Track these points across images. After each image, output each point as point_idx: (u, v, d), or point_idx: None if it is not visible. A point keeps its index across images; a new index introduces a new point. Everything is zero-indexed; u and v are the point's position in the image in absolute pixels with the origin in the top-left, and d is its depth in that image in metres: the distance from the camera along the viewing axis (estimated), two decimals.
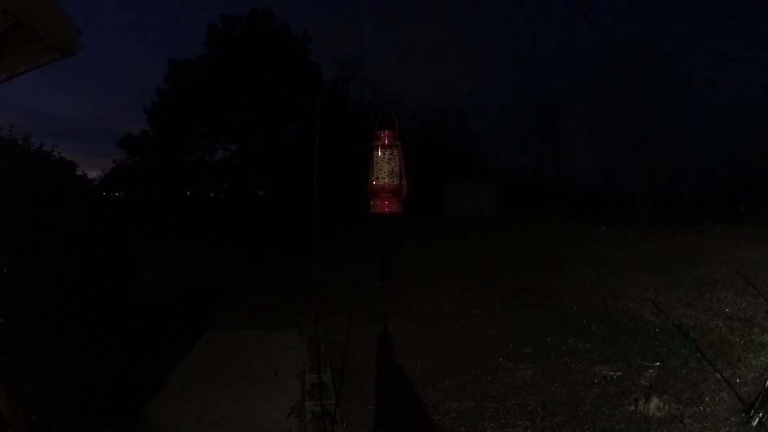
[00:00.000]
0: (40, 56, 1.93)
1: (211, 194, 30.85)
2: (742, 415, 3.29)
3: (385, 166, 2.03)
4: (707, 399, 3.61)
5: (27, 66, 1.97)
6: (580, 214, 28.17)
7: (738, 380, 3.94)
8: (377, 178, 2.04)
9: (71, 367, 2.70)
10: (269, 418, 3.39)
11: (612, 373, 4.19)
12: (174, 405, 3.53)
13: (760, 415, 3.13)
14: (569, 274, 9.20)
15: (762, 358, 4.45)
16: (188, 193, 30.91)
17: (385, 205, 2.04)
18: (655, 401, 3.46)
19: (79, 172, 3.38)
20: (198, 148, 19.01)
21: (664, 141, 28.93)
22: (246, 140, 19.28)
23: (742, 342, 4.92)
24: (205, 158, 19.34)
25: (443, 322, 5.99)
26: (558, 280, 8.68)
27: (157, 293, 7.16)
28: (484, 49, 70.82)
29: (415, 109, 45.57)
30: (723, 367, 4.22)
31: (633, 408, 3.49)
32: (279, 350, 4.87)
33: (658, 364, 4.36)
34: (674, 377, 4.04)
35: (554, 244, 14.80)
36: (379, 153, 2.04)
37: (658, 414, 3.36)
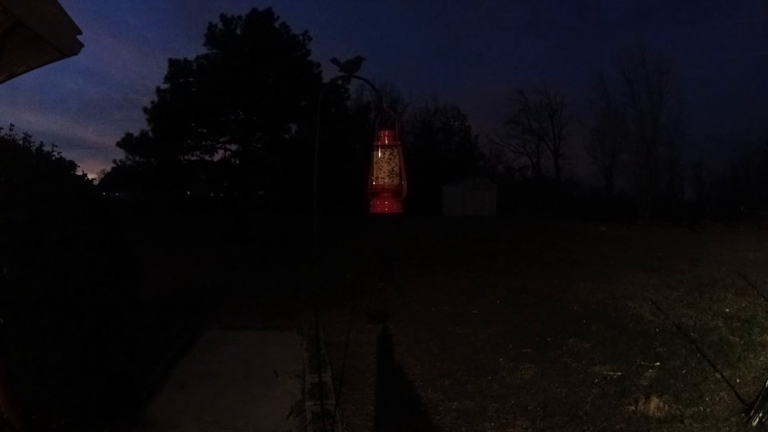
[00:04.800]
0: (40, 56, 1.93)
1: (211, 194, 30.83)
2: (742, 415, 3.29)
3: (385, 166, 2.02)
4: (707, 399, 3.61)
5: (27, 66, 1.97)
6: (580, 214, 28.19)
7: (738, 380, 3.95)
8: (377, 178, 2.03)
9: (71, 367, 2.70)
10: (269, 418, 3.39)
11: (612, 373, 4.19)
12: (174, 405, 3.53)
13: (760, 415, 3.13)
14: (569, 274, 9.20)
15: (762, 358, 4.45)
16: (188, 193, 30.89)
17: (386, 206, 2.03)
18: (655, 401, 3.46)
19: (78, 172, 3.38)
20: (198, 148, 18.91)
21: (664, 141, 28.97)
22: (246, 140, 19.21)
23: (742, 342, 4.92)
24: (205, 158, 19.24)
25: (443, 322, 5.99)
26: (558, 280, 8.68)
27: (158, 293, 7.15)
28: (484, 49, 70.81)
29: (415, 109, 45.71)
30: (723, 367, 4.22)
31: (633, 408, 3.49)
32: (279, 350, 4.87)
33: (658, 364, 4.36)
34: (674, 377, 4.04)
35: (554, 244, 14.80)
36: (379, 153, 2.03)
37: (658, 414, 3.36)
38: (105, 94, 61.50)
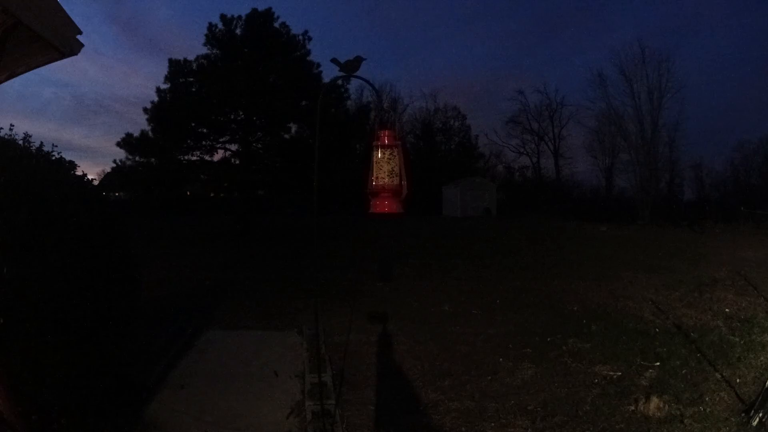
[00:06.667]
0: (40, 56, 1.93)
1: (211, 194, 30.82)
2: (742, 415, 3.29)
3: (385, 166, 2.03)
4: (707, 399, 3.61)
5: (27, 66, 1.97)
6: (580, 214, 28.17)
7: (738, 380, 3.95)
8: (377, 178, 2.03)
9: (71, 367, 2.70)
10: (269, 418, 3.39)
11: (612, 373, 4.19)
12: (174, 405, 3.53)
13: (760, 415, 3.13)
14: (569, 274, 9.20)
15: (762, 358, 4.45)
16: (188, 193, 30.87)
17: (385, 206, 2.03)
18: (655, 401, 3.46)
19: (78, 172, 3.38)
20: (198, 148, 18.89)
21: (664, 141, 28.97)
22: (246, 140, 19.20)
23: (742, 342, 4.92)
24: (205, 158, 19.23)
25: (443, 322, 5.99)
26: (558, 280, 8.68)
27: (157, 293, 7.15)
28: (484, 48, 70.77)
29: (415, 109, 45.71)
30: (723, 367, 4.22)
31: (633, 408, 3.49)
32: (279, 350, 4.87)
33: (658, 364, 4.36)
34: (674, 377, 4.04)
35: (554, 244, 14.79)
36: (379, 153, 2.03)
37: (658, 414, 3.36)
38: (80, 101, 63.94)
